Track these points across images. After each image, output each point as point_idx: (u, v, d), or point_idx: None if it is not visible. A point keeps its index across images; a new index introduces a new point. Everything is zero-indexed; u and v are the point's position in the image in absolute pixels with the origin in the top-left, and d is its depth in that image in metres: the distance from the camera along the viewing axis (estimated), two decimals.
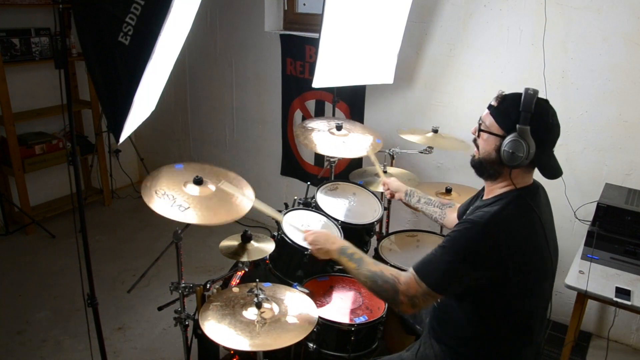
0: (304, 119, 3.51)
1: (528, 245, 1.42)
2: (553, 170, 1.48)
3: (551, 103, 1.46)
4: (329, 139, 2.67)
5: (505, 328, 1.45)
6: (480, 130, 1.50)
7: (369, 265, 1.54)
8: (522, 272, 1.41)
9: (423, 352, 1.64)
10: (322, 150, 2.58)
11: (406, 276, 1.46)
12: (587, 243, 2.18)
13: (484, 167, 1.52)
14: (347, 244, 1.67)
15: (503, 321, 1.43)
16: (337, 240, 1.70)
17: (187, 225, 1.92)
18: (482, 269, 1.39)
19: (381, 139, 2.78)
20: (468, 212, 1.59)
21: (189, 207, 1.72)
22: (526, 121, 1.38)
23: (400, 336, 2.11)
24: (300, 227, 1.99)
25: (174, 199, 1.73)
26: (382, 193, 2.68)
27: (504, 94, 1.46)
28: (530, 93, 1.39)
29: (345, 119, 3.11)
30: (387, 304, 2.03)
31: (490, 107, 1.48)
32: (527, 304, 1.47)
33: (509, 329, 1.47)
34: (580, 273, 2.07)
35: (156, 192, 1.72)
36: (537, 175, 1.51)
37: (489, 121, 1.48)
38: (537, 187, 1.54)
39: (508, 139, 1.41)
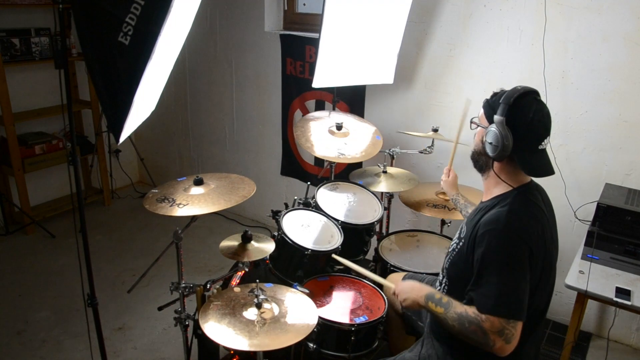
0: None
1: (539, 240, 1.43)
2: (534, 168, 1.47)
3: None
4: (329, 140, 2.67)
5: None
6: (473, 123, 1.58)
7: (456, 307, 1.46)
8: (537, 268, 1.42)
9: (425, 353, 1.64)
10: (322, 153, 2.58)
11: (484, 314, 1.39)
12: (587, 243, 2.18)
13: (476, 159, 1.59)
14: (432, 290, 1.57)
15: None
16: (422, 288, 1.61)
17: (189, 224, 1.93)
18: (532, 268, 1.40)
19: (381, 135, 2.78)
20: (470, 215, 1.59)
21: (187, 204, 1.81)
22: (503, 112, 1.43)
23: (401, 336, 2.11)
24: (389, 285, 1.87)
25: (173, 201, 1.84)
26: (382, 193, 2.69)
27: (502, 90, 1.51)
28: (517, 88, 1.45)
29: (344, 113, 3.10)
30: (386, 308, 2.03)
31: (484, 100, 1.55)
32: (535, 299, 1.47)
33: None
34: (580, 273, 2.07)
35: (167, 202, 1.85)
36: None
37: (480, 113, 1.55)
38: (534, 187, 1.55)
39: (488, 129, 1.46)
